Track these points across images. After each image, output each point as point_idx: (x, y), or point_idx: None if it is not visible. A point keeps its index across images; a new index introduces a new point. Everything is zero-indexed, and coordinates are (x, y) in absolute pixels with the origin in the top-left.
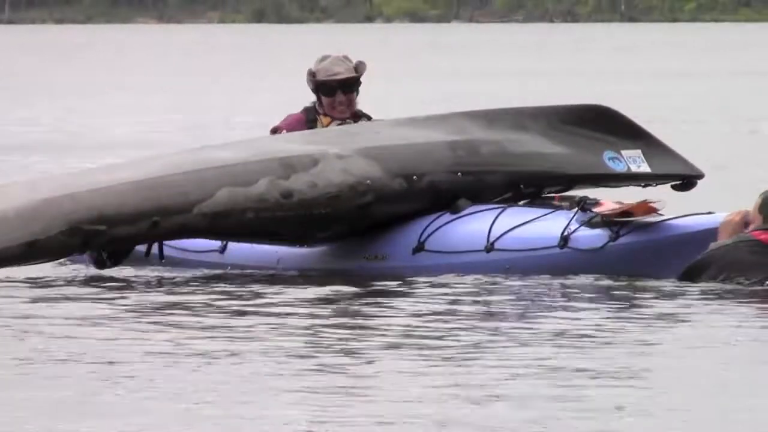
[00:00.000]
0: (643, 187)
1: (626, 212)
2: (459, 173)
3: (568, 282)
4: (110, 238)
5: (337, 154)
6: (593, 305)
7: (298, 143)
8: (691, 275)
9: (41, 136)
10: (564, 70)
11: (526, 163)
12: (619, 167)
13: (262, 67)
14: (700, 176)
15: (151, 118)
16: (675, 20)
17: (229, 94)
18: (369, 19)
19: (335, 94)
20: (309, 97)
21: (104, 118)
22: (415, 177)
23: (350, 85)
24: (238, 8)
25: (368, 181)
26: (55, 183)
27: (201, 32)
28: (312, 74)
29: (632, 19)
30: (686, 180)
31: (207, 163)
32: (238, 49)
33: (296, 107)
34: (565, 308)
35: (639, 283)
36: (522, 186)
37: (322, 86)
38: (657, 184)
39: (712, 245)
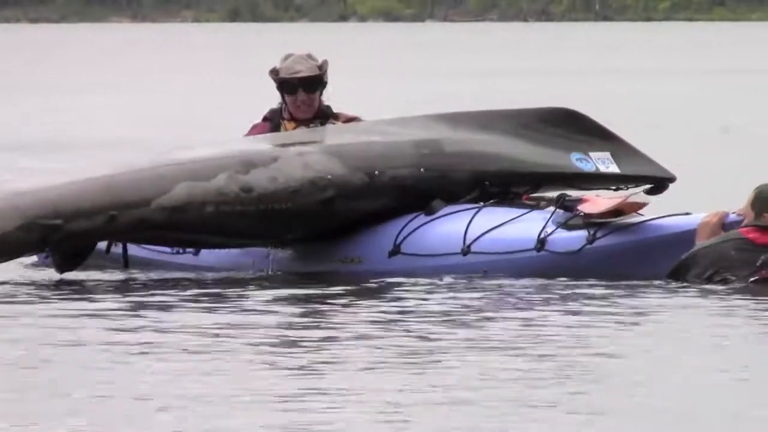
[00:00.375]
0: (615, 190)
1: (616, 211)
2: (422, 169)
3: (545, 284)
4: (67, 233)
5: (297, 151)
6: (571, 307)
7: (260, 143)
8: (678, 273)
9: (16, 135)
10: (539, 70)
11: (492, 161)
12: (587, 167)
13: (238, 66)
14: (672, 179)
15: (127, 117)
16: (649, 19)
17: (206, 93)
18: (343, 18)
19: (296, 92)
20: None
21: (80, 117)
22: (377, 172)
23: (311, 84)
24: (212, 7)
25: (329, 176)
26: (17, 183)
27: (176, 31)
28: (275, 72)
29: (606, 18)
30: (657, 183)
31: (165, 161)
32: (213, 48)
33: (269, 105)
34: (541, 310)
35: (619, 283)
36: (488, 184)
37: (284, 84)
38: (628, 187)
39: (699, 243)
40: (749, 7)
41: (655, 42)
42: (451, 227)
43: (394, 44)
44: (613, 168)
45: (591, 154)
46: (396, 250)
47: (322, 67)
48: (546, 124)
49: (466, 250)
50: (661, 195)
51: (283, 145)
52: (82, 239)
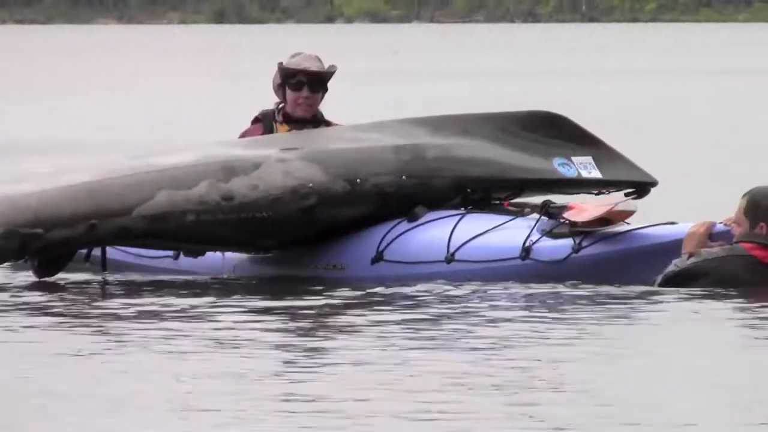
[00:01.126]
0: (596, 194)
1: (603, 220)
2: (403, 176)
3: (529, 292)
4: (48, 242)
5: (278, 158)
6: (555, 315)
7: (240, 148)
8: (674, 283)
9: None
10: (526, 70)
11: (474, 167)
12: (569, 173)
13: (224, 68)
14: (654, 183)
15: (113, 119)
16: (635, 20)
17: (193, 94)
18: (330, 19)
19: (302, 88)
20: (269, 99)
21: (64, 118)
22: (358, 180)
23: (318, 82)
24: (198, 9)
25: (310, 184)
26: None
27: (162, 33)
28: (282, 67)
29: (593, 20)
30: (639, 187)
31: (146, 167)
32: (199, 50)
33: (260, 106)
34: (525, 318)
35: (605, 292)
36: (470, 191)
37: (291, 77)
38: (609, 192)
39: (704, 252)
40: (736, 8)
41: (643, 43)
42: (434, 234)
43: (382, 46)
44: (595, 173)
45: (573, 158)
46: (379, 257)
47: (330, 69)
48: (528, 128)
49: (450, 258)
50: (647, 199)
51: (266, 151)
52: (61, 247)
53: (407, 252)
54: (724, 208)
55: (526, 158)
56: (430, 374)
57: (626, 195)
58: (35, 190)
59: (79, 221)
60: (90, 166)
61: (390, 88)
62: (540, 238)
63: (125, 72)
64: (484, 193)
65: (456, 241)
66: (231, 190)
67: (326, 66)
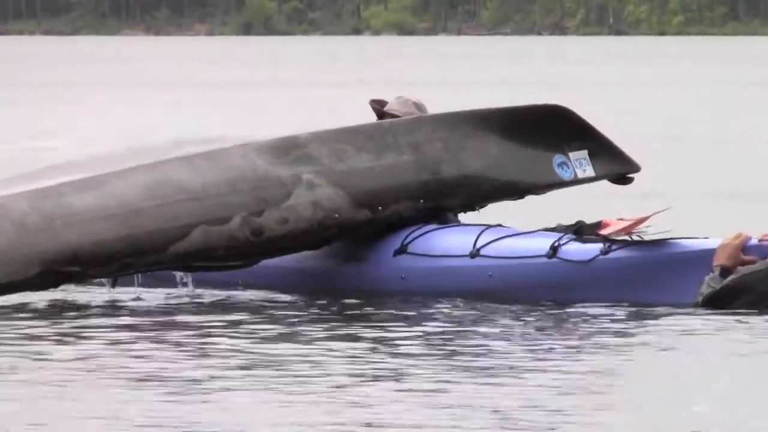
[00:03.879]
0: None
1: (628, 229)
2: (421, 200)
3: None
4: (81, 277)
5: (308, 183)
6: (590, 327)
7: (272, 160)
8: (718, 302)
9: (30, 151)
10: (549, 81)
11: (483, 180)
12: (566, 174)
13: (254, 78)
14: (637, 170)
15: (139, 131)
16: (662, 33)
17: (220, 105)
18: (357, 31)
19: None
20: (294, 110)
21: (92, 131)
22: (380, 208)
23: None
24: (225, 20)
25: (336, 215)
26: (28, 204)
27: (189, 44)
28: (375, 109)
29: (620, 33)
30: (623, 176)
31: (180, 190)
32: (227, 61)
33: (282, 119)
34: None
35: (635, 304)
36: (477, 208)
37: (380, 118)
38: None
39: (741, 269)
40: (763, 21)
41: (670, 55)
42: (461, 232)
43: (408, 57)
44: (589, 170)
45: (570, 155)
46: (402, 249)
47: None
48: (532, 122)
49: (474, 253)
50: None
51: (296, 169)
52: (90, 279)
53: (431, 245)
54: (759, 224)
55: (529, 163)
56: (449, 378)
57: (610, 181)
58: (70, 217)
59: (115, 260)
60: (113, 182)
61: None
62: (569, 241)
63: (152, 83)
64: (490, 202)
65: (483, 240)
66: (262, 226)
67: (420, 111)
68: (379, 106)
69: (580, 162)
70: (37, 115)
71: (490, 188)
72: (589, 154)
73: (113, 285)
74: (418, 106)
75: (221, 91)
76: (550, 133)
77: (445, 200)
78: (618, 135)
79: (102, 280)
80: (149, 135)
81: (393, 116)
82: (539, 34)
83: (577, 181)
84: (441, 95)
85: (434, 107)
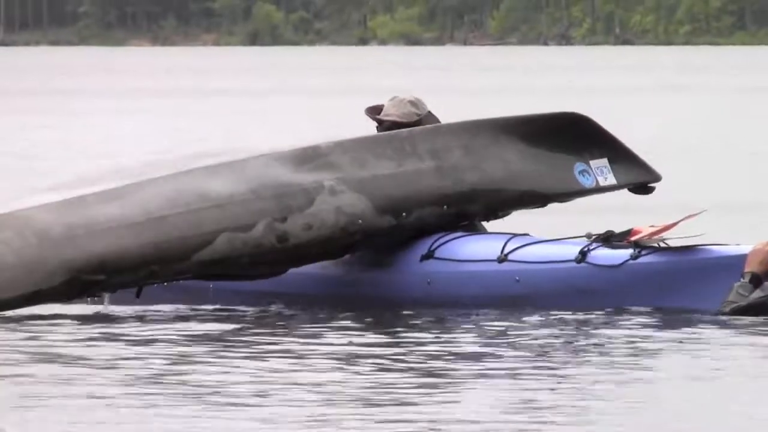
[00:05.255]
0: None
1: (657, 233)
2: (445, 206)
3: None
4: (106, 286)
5: (331, 189)
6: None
7: (294, 168)
8: (758, 310)
9: (37, 160)
10: (560, 89)
11: (505, 187)
12: (588, 182)
13: (259, 89)
14: (658, 179)
15: (149, 141)
16: (670, 43)
17: (227, 115)
18: (363, 41)
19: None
20: (301, 120)
21: (103, 141)
22: (404, 214)
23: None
24: (232, 30)
25: (360, 221)
26: (52, 215)
27: (196, 54)
28: (369, 116)
29: (626, 42)
30: (644, 185)
31: (203, 198)
32: (234, 71)
33: (289, 128)
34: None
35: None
36: (500, 215)
37: (379, 125)
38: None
39: None
40: None
41: (677, 64)
42: (490, 239)
43: (415, 67)
44: (610, 178)
45: (591, 162)
46: (429, 255)
47: (421, 117)
48: (555, 129)
49: (502, 258)
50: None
51: (318, 176)
52: (116, 288)
53: (458, 251)
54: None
55: (551, 171)
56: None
57: (630, 191)
58: (95, 226)
59: (141, 267)
60: (136, 192)
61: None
62: (599, 246)
63: (158, 93)
64: (512, 210)
65: (512, 244)
66: (286, 232)
67: (424, 111)
68: (375, 114)
69: (600, 170)
70: (40, 124)
71: (512, 195)
72: (609, 162)
73: (138, 294)
74: (415, 104)
75: (227, 100)
76: (570, 141)
77: (467, 206)
78: (635, 145)
79: (100, 295)
80: (156, 144)
81: (392, 121)
82: (545, 44)
83: (599, 189)
84: (448, 104)
85: (444, 117)
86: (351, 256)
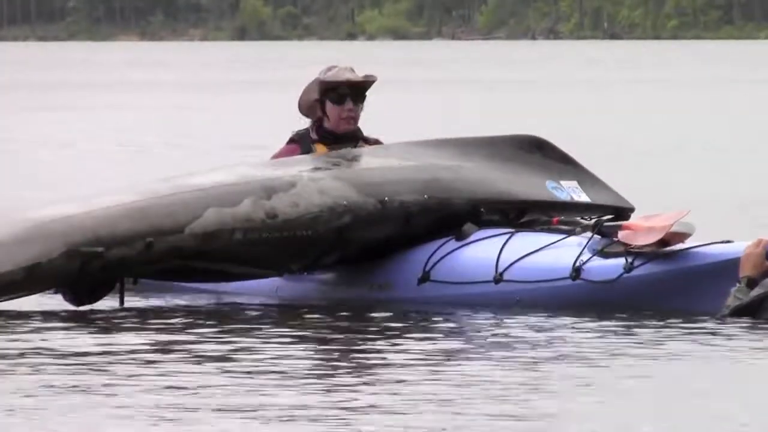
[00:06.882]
0: (588, 219)
1: (662, 242)
2: (426, 196)
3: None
4: (107, 261)
5: (310, 178)
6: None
7: (272, 169)
8: (746, 314)
9: (32, 157)
10: (545, 83)
11: (483, 189)
12: (562, 195)
13: (246, 85)
14: (631, 209)
15: (135, 136)
16: (657, 38)
17: (215, 111)
18: (351, 36)
19: (344, 101)
20: (288, 115)
21: (90, 135)
22: (386, 199)
23: (360, 92)
24: (220, 26)
25: (345, 202)
26: (47, 209)
27: (184, 49)
28: (320, 81)
29: (614, 37)
30: (619, 213)
31: (187, 187)
32: (221, 67)
33: (280, 123)
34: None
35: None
36: (483, 210)
37: (332, 91)
38: (591, 218)
39: (766, 282)
40: (758, 25)
41: (665, 59)
42: (482, 254)
43: (403, 62)
44: (584, 197)
45: (562, 182)
46: (425, 277)
47: (370, 79)
48: (519, 151)
49: (498, 278)
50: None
51: (298, 170)
52: (119, 268)
53: (454, 272)
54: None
55: (524, 180)
56: (474, 399)
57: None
58: (90, 208)
59: (136, 239)
60: (130, 188)
61: (415, 104)
62: (591, 257)
63: (146, 88)
64: (498, 214)
65: (504, 261)
66: (274, 208)
67: (361, 76)
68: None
69: (573, 189)
70: (33, 120)
71: (488, 195)
72: (579, 185)
73: (120, 302)
74: (353, 71)
75: (217, 96)
76: (537, 161)
77: (448, 200)
78: (625, 144)
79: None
80: (144, 139)
81: (371, 81)
82: (534, 38)
83: (575, 205)
84: (435, 99)
85: (432, 112)
86: (349, 277)
